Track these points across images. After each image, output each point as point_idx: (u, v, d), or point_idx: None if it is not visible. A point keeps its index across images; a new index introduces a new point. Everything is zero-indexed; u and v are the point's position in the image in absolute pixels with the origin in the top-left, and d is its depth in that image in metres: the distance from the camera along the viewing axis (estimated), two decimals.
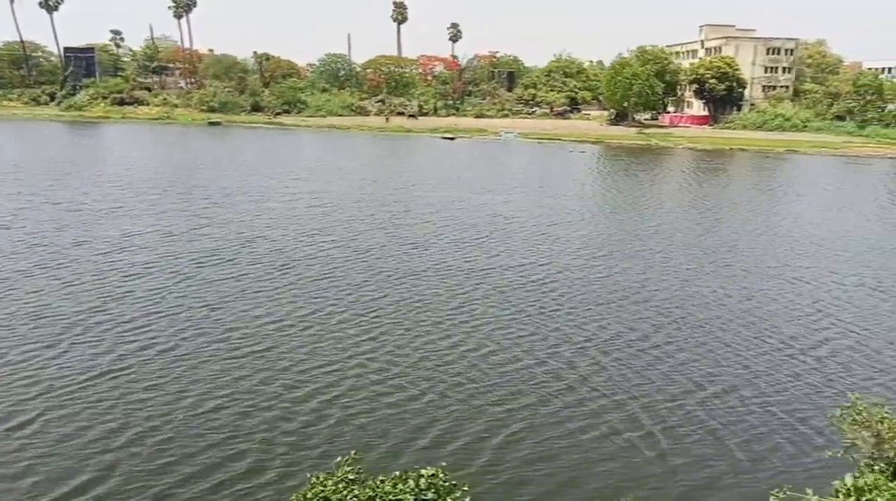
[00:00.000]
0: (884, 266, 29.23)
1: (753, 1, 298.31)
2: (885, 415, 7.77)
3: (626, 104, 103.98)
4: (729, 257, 30.14)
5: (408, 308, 21.90)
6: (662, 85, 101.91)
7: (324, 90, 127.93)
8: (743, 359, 18.76)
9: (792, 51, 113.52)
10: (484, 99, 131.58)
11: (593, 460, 13.75)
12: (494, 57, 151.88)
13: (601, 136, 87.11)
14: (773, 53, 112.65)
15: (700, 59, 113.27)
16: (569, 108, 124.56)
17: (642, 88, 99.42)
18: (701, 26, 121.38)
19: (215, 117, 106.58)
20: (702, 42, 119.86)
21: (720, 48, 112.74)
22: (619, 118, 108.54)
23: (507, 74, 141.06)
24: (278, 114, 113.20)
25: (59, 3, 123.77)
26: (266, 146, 75.02)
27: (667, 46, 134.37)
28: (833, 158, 73.02)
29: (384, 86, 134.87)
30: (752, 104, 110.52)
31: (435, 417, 15.02)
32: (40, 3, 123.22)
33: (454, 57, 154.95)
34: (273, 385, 16.19)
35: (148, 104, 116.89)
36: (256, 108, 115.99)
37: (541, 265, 27.67)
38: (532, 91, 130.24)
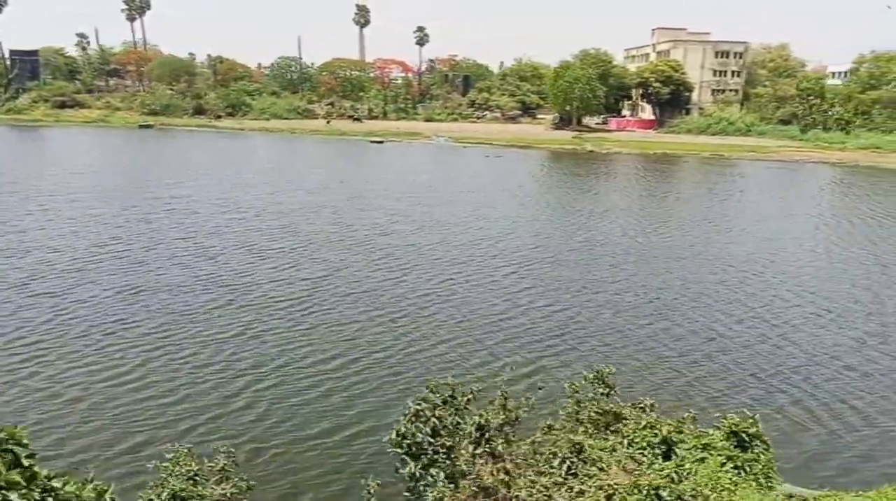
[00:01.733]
0: (685, 278, 27.52)
1: (749, 3, 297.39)
2: None
3: (568, 108, 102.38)
4: (502, 269, 28.42)
5: (102, 330, 20.11)
6: (604, 88, 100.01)
7: (273, 93, 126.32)
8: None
9: (741, 54, 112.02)
10: (437, 102, 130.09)
11: None
12: (454, 60, 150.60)
13: (533, 141, 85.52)
14: (721, 57, 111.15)
15: (650, 62, 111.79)
16: (520, 113, 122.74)
17: (583, 92, 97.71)
18: (653, 29, 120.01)
19: (150, 120, 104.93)
20: (654, 45, 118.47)
21: (669, 51, 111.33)
22: (565, 122, 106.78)
23: (463, 78, 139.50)
24: (219, 117, 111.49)
25: (3, 6, 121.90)
26: (177, 149, 73.38)
27: (625, 49, 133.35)
28: (758, 162, 71.42)
29: (339, 90, 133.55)
30: (701, 108, 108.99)
31: None
32: None
33: (431, 61, 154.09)
34: None
35: (90, 107, 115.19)
36: (199, 111, 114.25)
37: (310, 279, 25.90)
38: (485, 95, 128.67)
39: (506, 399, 8.44)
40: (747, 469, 7.93)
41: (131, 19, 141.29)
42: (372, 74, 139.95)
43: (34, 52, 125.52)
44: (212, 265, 27.39)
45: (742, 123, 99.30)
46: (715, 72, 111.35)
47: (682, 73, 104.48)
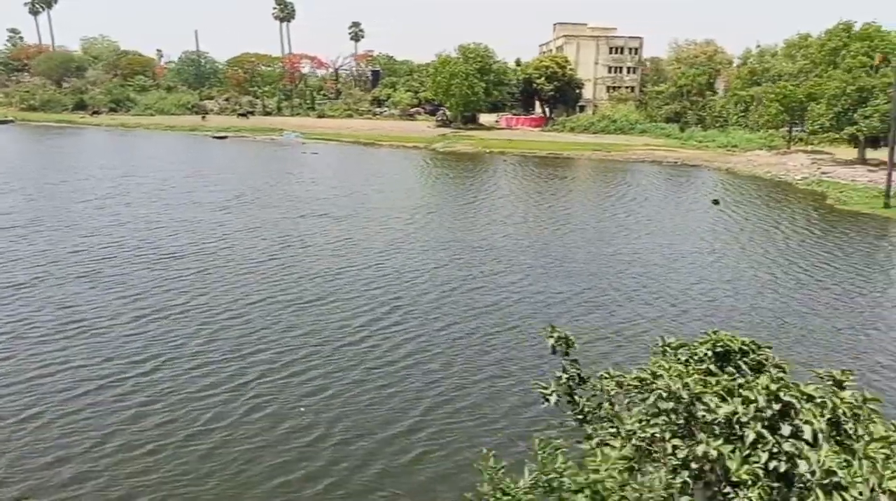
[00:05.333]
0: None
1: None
2: None
3: (448, 104, 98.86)
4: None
5: None
6: (483, 85, 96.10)
7: (168, 89, 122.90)
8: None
9: (636, 50, 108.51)
10: (337, 98, 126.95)
11: None
12: (370, 55, 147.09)
13: (387, 138, 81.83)
14: (616, 52, 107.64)
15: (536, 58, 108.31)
16: (420, 110, 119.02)
17: (460, 88, 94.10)
18: (554, 24, 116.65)
19: (16, 115, 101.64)
20: (554, 41, 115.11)
21: (562, 47, 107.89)
22: (451, 119, 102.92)
23: (373, 73, 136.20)
24: (97, 112, 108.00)
25: None
26: None
27: (539, 45, 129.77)
28: (588, 162, 67.92)
29: (247, 85, 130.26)
30: (596, 105, 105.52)
31: None
32: None
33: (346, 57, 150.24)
34: None
35: None
36: (81, 107, 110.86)
37: None
38: (388, 91, 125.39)
39: None
40: None
41: (34, 13, 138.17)
42: (280, 70, 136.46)
43: None
44: None
45: (626, 121, 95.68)
46: (610, 68, 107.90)
47: (570, 70, 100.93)
